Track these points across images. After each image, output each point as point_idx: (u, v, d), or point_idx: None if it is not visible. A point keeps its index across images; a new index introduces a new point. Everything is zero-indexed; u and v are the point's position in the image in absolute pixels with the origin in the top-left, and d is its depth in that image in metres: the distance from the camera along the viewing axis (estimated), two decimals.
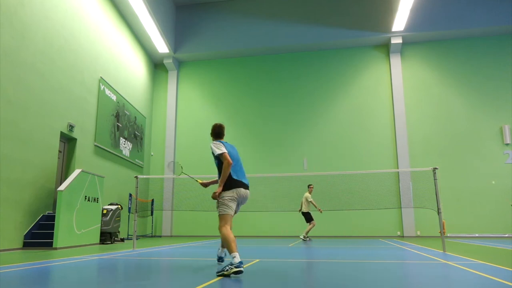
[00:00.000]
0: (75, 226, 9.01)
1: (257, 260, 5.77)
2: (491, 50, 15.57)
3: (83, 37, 11.41)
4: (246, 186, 4.63)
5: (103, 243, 10.22)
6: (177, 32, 17.19)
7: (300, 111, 16.43)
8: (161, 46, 16.23)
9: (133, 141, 14.97)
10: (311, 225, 11.91)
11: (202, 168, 14.46)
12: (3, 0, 8.16)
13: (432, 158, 14.76)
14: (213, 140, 4.81)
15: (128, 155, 14.47)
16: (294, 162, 15.87)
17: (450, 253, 6.80)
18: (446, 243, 8.53)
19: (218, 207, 4.49)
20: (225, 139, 4.93)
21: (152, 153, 17.05)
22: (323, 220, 14.58)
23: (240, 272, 3.94)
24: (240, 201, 4.58)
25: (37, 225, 8.91)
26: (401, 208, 14.69)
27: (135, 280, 3.77)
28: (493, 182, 14.33)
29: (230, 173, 4.47)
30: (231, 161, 4.44)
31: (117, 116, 13.62)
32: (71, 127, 10.56)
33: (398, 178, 14.95)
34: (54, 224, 8.48)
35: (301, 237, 12.05)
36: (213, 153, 4.59)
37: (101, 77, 12.44)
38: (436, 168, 7.66)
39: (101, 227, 10.29)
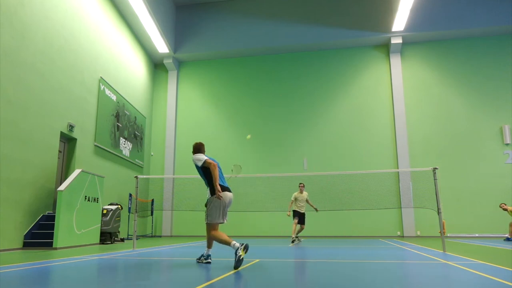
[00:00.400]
0: (75, 226, 9.01)
1: (257, 260, 5.76)
2: (491, 50, 15.57)
3: (83, 37, 11.41)
4: (230, 190, 5.13)
5: (103, 243, 10.22)
6: (177, 32, 17.19)
7: (300, 111, 16.43)
8: (161, 46, 16.23)
9: (133, 141, 14.97)
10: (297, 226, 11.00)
11: None
12: (3, 0, 8.16)
13: (432, 158, 14.76)
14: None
15: (128, 155, 14.47)
16: (294, 162, 15.87)
17: (450, 253, 6.81)
18: (446, 243, 8.53)
19: (206, 216, 4.93)
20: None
21: (152, 153, 17.05)
22: (323, 220, 14.59)
23: (247, 247, 4.53)
24: (227, 204, 4.98)
25: (37, 225, 8.91)
26: (401, 208, 14.69)
27: (135, 280, 3.77)
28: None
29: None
30: (215, 163, 4.96)
31: (117, 116, 13.62)
32: (71, 127, 10.56)
33: (398, 178, 14.95)
34: (54, 224, 8.48)
35: (295, 238, 10.97)
36: (196, 166, 5.09)
37: (101, 77, 12.44)
38: (436, 168, 7.66)
39: (101, 227, 10.29)
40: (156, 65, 17.89)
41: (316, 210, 10.94)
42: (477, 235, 14.21)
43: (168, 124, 17.06)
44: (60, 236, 8.33)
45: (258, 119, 16.66)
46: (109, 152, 12.95)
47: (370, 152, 15.49)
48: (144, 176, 12.50)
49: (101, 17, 12.57)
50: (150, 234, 15.84)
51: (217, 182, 4.81)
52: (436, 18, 15.47)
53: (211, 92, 17.31)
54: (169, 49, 16.45)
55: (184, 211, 15.31)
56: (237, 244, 4.47)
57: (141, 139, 15.91)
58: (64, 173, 10.71)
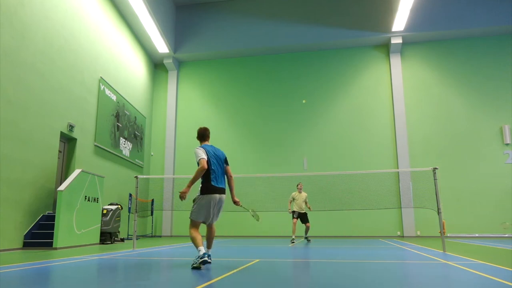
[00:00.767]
0: (75, 226, 9.01)
1: (257, 260, 5.76)
2: (491, 50, 15.57)
3: (83, 37, 11.41)
4: (223, 191, 4.90)
5: (103, 243, 10.22)
6: (177, 32, 17.19)
7: (300, 111, 16.42)
8: (161, 46, 16.23)
9: (133, 141, 14.97)
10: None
11: None
12: (3, 0, 8.16)
13: (432, 158, 14.75)
14: (200, 143, 5.14)
15: (128, 155, 14.47)
16: (294, 162, 15.87)
17: (450, 253, 6.80)
18: (446, 243, 8.53)
19: (191, 212, 4.86)
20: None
21: (152, 153, 17.05)
22: (323, 220, 14.59)
23: (205, 262, 4.40)
24: (215, 205, 4.81)
25: (37, 225, 8.90)
26: (401, 208, 14.69)
27: (135, 280, 3.77)
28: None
29: (210, 178, 4.75)
30: (205, 166, 4.67)
31: (117, 116, 13.62)
32: (71, 127, 10.56)
33: (398, 178, 14.95)
34: (54, 224, 8.47)
35: (296, 238, 11.12)
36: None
37: (101, 77, 12.44)
38: (436, 168, 7.66)
39: (101, 227, 10.29)
40: (156, 65, 17.89)
41: (310, 209, 10.89)
42: (477, 235, 14.21)
43: (168, 124, 17.06)
44: (60, 236, 8.33)
45: (258, 119, 16.66)
46: (109, 152, 12.94)
47: (370, 152, 15.49)
48: (144, 176, 12.49)
49: (101, 17, 12.57)
50: (150, 234, 15.84)
51: (192, 183, 4.71)
52: (436, 18, 15.46)
53: (211, 92, 17.31)
54: (169, 49, 16.45)
55: (184, 211, 15.27)
56: (202, 253, 4.46)
57: (141, 139, 15.92)
58: (64, 173, 10.71)
